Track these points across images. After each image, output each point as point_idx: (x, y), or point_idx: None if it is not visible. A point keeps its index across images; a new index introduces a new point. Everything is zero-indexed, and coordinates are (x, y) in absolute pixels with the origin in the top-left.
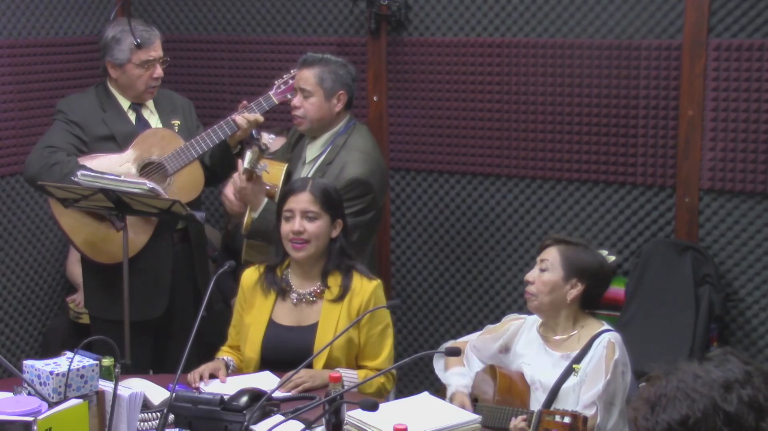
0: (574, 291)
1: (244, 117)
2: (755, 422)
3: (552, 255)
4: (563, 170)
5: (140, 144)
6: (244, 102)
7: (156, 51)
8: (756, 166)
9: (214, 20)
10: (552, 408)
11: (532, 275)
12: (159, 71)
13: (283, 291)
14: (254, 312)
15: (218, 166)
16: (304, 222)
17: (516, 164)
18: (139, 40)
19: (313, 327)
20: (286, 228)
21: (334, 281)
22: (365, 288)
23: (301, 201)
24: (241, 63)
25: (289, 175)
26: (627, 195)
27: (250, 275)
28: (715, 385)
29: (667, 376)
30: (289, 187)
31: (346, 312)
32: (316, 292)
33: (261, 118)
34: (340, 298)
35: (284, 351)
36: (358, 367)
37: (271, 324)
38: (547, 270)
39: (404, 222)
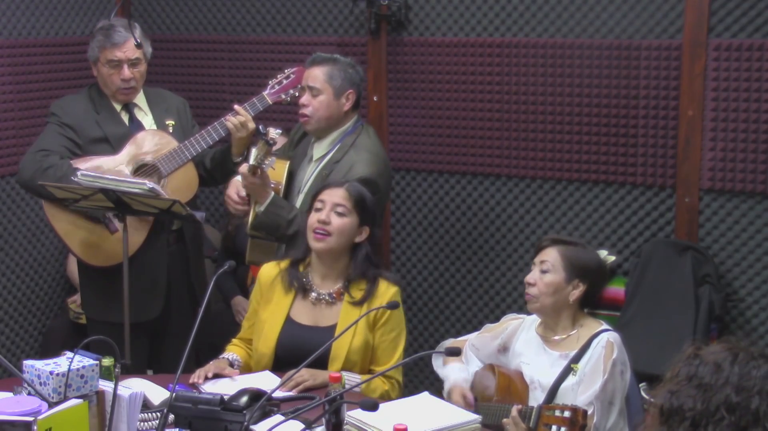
0: (576, 292)
1: (230, 120)
2: None
3: (552, 256)
4: (563, 170)
5: (134, 146)
6: (236, 106)
7: (122, 52)
8: (756, 166)
9: (214, 20)
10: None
11: (532, 277)
12: (126, 73)
13: (303, 289)
14: (271, 308)
15: (218, 171)
16: (332, 214)
17: (516, 164)
18: (101, 37)
19: (332, 329)
20: (313, 218)
21: (358, 287)
22: (387, 292)
23: (335, 195)
24: (240, 63)
25: (291, 173)
26: (627, 195)
27: (269, 270)
28: None
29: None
30: (327, 182)
31: (365, 319)
32: (337, 293)
33: (251, 121)
34: (360, 302)
35: (299, 349)
36: (369, 372)
37: (289, 322)
38: (548, 271)
39: (404, 223)
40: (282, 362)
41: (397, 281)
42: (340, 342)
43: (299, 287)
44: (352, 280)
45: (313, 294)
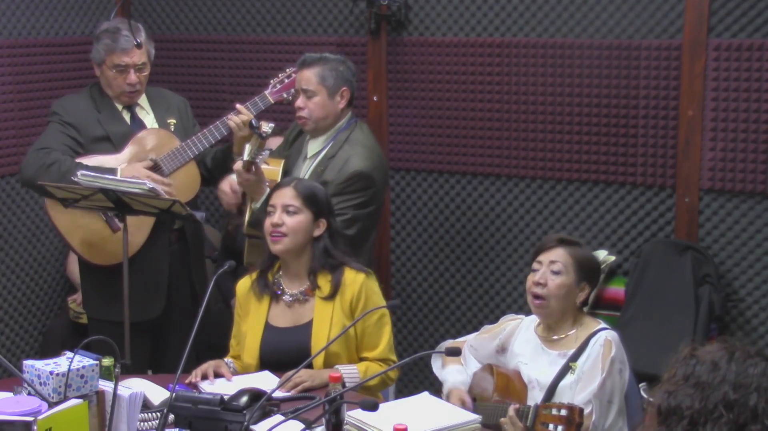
0: (582, 294)
1: (232, 120)
2: None
3: (563, 257)
4: (563, 170)
5: (136, 144)
6: (238, 105)
7: (130, 57)
8: (756, 166)
9: (214, 20)
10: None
11: (543, 277)
12: (132, 78)
13: (275, 294)
14: (250, 319)
15: (219, 170)
16: (283, 215)
17: (516, 164)
18: (108, 41)
19: (308, 326)
20: (267, 222)
21: (324, 279)
22: (356, 280)
23: (283, 195)
24: (240, 63)
25: (286, 172)
26: (627, 195)
27: (243, 284)
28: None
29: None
30: (277, 184)
31: (339, 306)
32: (307, 291)
33: (251, 118)
34: (331, 296)
35: (282, 353)
36: (359, 359)
37: (268, 328)
38: (560, 272)
39: (404, 222)
40: (269, 368)
41: (362, 268)
42: (318, 337)
43: (271, 293)
44: (316, 273)
45: (287, 297)
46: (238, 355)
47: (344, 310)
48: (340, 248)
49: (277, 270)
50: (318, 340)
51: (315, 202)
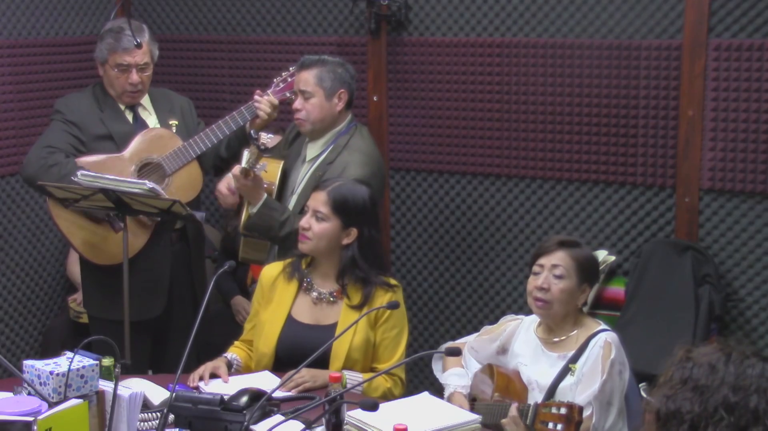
0: (583, 296)
1: (260, 107)
2: None
3: (565, 261)
4: (563, 170)
5: (138, 144)
6: (258, 91)
7: (132, 57)
8: (756, 166)
9: (214, 20)
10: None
11: (546, 281)
12: (134, 78)
13: (304, 286)
14: (272, 308)
15: (235, 158)
16: (311, 220)
17: (516, 164)
18: (110, 40)
19: (332, 328)
20: (300, 222)
21: (354, 291)
22: (385, 295)
23: (317, 199)
24: (240, 63)
25: (284, 173)
26: (627, 195)
27: (269, 271)
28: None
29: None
30: (318, 183)
31: (366, 316)
32: (337, 293)
33: (275, 101)
34: (360, 305)
35: (300, 348)
36: (371, 370)
37: (290, 320)
38: (563, 277)
39: (404, 223)
40: (283, 361)
41: (391, 285)
42: (341, 341)
43: (300, 283)
44: (344, 281)
45: (314, 294)
46: (250, 340)
47: (369, 319)
48: (370, 260)
49: (309, 263)
50: (340, 344)
51: (344, 210)
